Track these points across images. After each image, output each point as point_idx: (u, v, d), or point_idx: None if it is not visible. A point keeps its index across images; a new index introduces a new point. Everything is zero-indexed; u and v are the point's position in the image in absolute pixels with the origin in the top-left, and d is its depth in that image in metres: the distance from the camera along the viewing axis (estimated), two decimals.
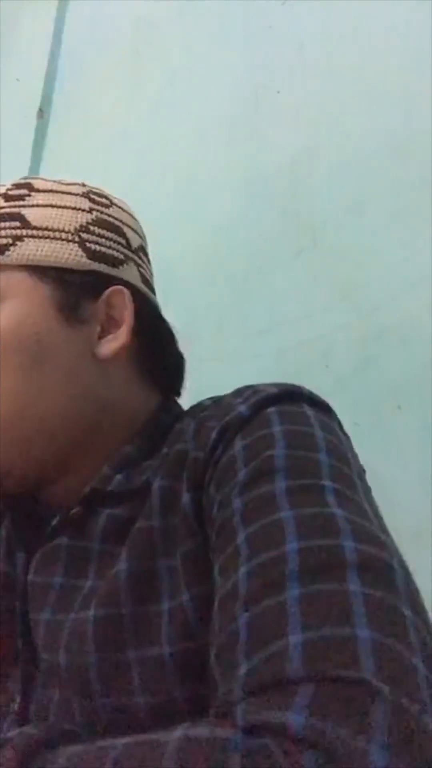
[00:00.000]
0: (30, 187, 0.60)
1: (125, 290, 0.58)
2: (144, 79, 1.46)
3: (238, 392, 0.56)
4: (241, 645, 0.36)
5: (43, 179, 0.62)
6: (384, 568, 0.39)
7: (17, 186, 0.60)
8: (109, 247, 0.60)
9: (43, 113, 1.71)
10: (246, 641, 0.36)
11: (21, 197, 0.59)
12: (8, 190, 0.60)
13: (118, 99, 1.51)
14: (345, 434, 0.54)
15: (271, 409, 0.51)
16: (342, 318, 0.94)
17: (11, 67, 1.88)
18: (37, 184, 0.60)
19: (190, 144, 1.28)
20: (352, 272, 0.95)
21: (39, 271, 0.56)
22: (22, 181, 0.61)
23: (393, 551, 0.41)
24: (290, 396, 0.53)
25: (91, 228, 0.59)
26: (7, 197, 0.59)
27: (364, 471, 0.52)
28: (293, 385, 0.55)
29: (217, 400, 0.58)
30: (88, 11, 1.72)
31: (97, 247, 0.58)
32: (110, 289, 0.58)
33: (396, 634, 0.34)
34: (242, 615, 0.38)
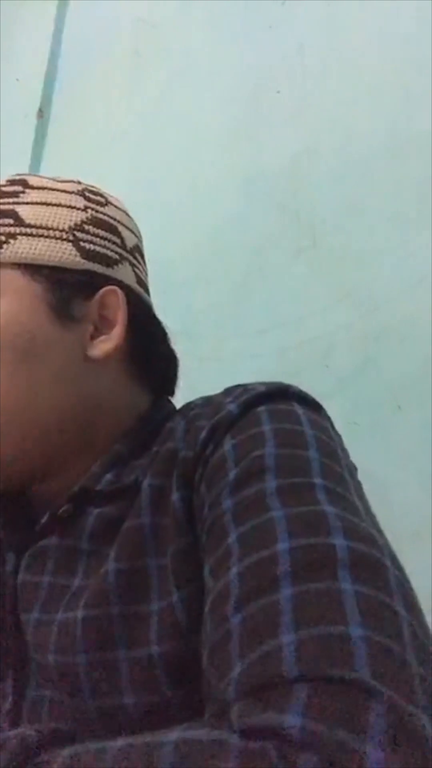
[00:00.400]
0: (24, 184, 0.59)
1: (119, 291, 0.58)
2: (144, 79, 1.46)
3: (228, 391, 0.56)
4: (234, 645, 0.36)
5: (38, 176, 0.61)
6: (376, 565, 0.38)
7: (11, 182, 0.60)
8: (104, 247, 0.59)
9: (43, 113, 1.71)
10: (239, 642, 0.36)
11: (15, 194, 0.58)
12: (2, 186, 0.59)
13: (118, 99, 1.51)
14: (336, 432, 0.54)
15: (261, 408, 0.51)
16: (342, 318, 0.94)
17: (11, 67, 1.88)
18: (31, 181, 0.60)
19: (190, 144, 1.28)
20: (352, 272, 0.95)
21: (32, 269, 0.55)
22: (17, 178, 0.60)
23: (385, 548, 0.41)
24: (280, 394, 0.53)
25: (86, 227, 0.58)
26: (1, 194, 0.58)
27: (355, 468, 0.52)
28: (283, 384, 0.54)
29: (207, 399, 0.58)
30: (88, 11, 1.72)
31: (92, 246, 0.58)
32: (104, 289, 0.58)
33: (389, 632, 0.34)
34: (235, 615, 0.37)
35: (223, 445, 0.49)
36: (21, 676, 0.52)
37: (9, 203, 0.57)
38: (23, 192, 0.58)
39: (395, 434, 0.85)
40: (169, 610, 0.47)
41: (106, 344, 0.57)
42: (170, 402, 0.65)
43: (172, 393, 0.65)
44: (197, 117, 1.29)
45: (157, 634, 0.46)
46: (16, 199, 0.58)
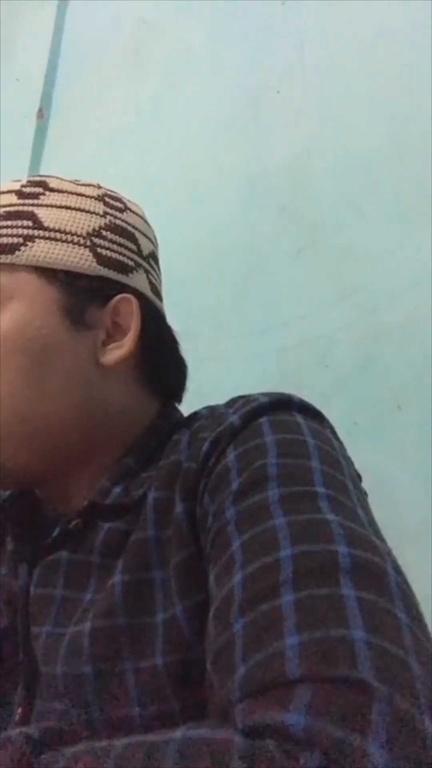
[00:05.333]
0: (45, 186, 0.59)
1: (133, 299, 0.58)
2: (144, 79, 1.46)
3: (231, 402, 0.56)
4: (237, 649, 0.36)
5: (58, 178, 0.61)
6: (378, 572, 0.39)
7: (32, 183, 0.59)
8: (120, 254, 0.59)
9: (43, 113, 1.71)
10: (242, 645, 0.36)
11: (35, 195, 0.58)
12: (23, 186, 0.59)
13: (118, 99, 1.51)
14: (338, 441, 0.54)
15: (263, 419, 0.51)
16: (342, 318, 0.94)
17: (11, 67, 1.88)
18: (52, 183, 0.60)
19: (190, 144, 1.28)
20: (352, 272, 0.95)
21: (48, 273, 0.55)
22: (38, 179, 0.60)
23: (387, 556, 0.41)
24: (282, 405, 0.53)
25: (104, 233, 0.58)
26: (21, 194, 0.58)
27: (359, 477, 0.52)
28: (284, 394, 0.55)
29: (211, 410, 0.58)
30: (88, 11, 1.72)
31: (108, 253, 0.58)
32: (118, 296, 0.58)
33: (391, 636, 0.35)
34: (238, 621, 0.38)
35: (226, 456, 0.49)
36: (31, 687, 0.52)
37: (28, 204, 0.57)
38: (43, 194, 0.58)
39: (395, 434, 0.85)
40: (173, 621, 0.47)
41: (118, 351, 0.57)
42: (177, 410, 0.65)
43: (179, 400, 0.66)
44: (197, 117, 1.29)
45: (162, 646, 0.46)
46: (35, 201, 0.58)
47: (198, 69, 1.32)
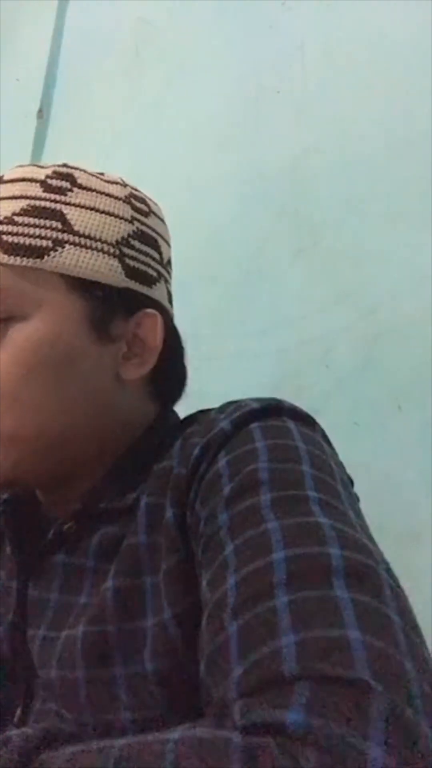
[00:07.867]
0: (72, 180, 0.56)
1: (158, 316, 0.58)
2: (144, 79, 1.46)
3: (222, 408, 0.56)
4: (232, 650, 0.36)
5: (84, 172, 0.59)
6: (370, 574, 0.39)
7: (58, 176, 0.56)
8: (146, 264, 0.58)
9: (43, 113, 1.70)
10: (237, 646, 0.36)
11: (62, 191, 0.55)
12: (48, 177, 0.56)
13: (118, 99, 1.51)
14: (330, 446, 0.54)
15: (254, 425, 0.51)
16: (342, 318, 0.94)
17: (11, 67, 1.88)
18: (79, 177, 0.57)
19: (190, 144, 1.28)
20: (352, 272, 0.95)
21: (76, 282, 0.54)
22: (63, 170, 0.57)
23: (379, 558, 0.41)
24: (272, 411, 0.53)
25: (132, 241, 0.57)
26: (47, 187, 0.55)
27: (351, 482, 0.52)
28: (275, 400, 0.54)
29: (204, 415, 0.58)
30: (88, 11, 1.72)
31: (135, 264, 0.57)
32: (144, 312, 0.57)
33: (385, 637, 0.35)
34: (232, 623, 0.38)
35: (217, 462, 0.49)
36: (29, 689, 0.53)
37: (56, 201, 0.55)
38: (70, 190, 0.56)
39: (395, 434, 0.85)
40: (162, 627, 0.47)
41: (140, 368, 0.57)
42: (174, 413, 0.65)
43: (174, 402, 0.66)
44: (197, 117, 1.29)
45: (151, 652, 0.46)
46: (63, 198, 0.55)
47: (198, 69, 1.32)
